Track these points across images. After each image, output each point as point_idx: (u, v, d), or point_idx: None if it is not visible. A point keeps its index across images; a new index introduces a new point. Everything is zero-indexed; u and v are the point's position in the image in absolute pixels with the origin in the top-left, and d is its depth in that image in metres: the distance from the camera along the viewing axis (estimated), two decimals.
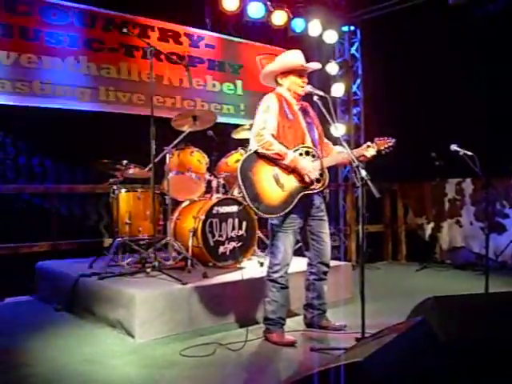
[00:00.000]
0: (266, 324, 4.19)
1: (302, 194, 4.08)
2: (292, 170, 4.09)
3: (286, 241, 4.12)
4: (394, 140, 4.27)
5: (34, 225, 6.18)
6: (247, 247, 5.51)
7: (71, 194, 6.55)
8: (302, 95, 4.33)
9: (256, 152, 4.08)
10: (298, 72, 4.27)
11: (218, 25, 7.83)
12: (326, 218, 4.37)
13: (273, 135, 4.07)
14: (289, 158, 4.04)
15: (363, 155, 4.24)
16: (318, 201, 4.28)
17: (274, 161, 4.08)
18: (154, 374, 3.51)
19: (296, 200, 4.06)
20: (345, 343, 3.85)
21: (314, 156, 4.16)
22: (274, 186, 4.05)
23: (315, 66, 4.36)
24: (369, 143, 4.28)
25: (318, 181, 4.15)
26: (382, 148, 4.25)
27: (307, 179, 4.09)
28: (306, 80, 4.29)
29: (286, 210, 4.03)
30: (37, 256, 5.93)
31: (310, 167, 4.10)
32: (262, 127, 4.08)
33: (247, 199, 3.97)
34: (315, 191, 4.17)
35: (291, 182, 4.09)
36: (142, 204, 5.36)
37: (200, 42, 7.60)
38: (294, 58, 4.32)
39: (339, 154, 4.32)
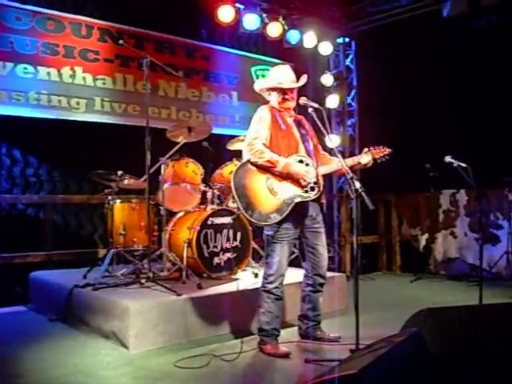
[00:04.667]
0: (261, 335, 4.18)
1: (295, 201, 4.09)
2: (285, 177, 4.11)
3: (281, 252, 4.12)
4: (389, 150, 4.29)
5: (29, 235, 6.16)
6: (242, 258, 5.51)
7: (66, 205, 6.54)
8: (290, 108, 4.38)
9: (249, 161, 4.11)
10: (279, 89, 4.33)
11: (214, 36, 7.87)
12: (322, 229, 4.37)
13: (265, 145, 4.11)
14: (280, 164, 4.06)
15: (358, 162, 4.26)
16: (313, 212, 4.29)
17: (266, 169, 4.10)
18: None
19: (290, 208, 4.06)
20: (339, 355, 3.85)
21: (307, 165, 4.18)
22: (267, 195, 4.06)
23: (297, 84, 4.36)
24: (365, 150, 4.30)
25: (312, 189, 4.16)
26: (377, 157, 4.26)
27: (303, 182, 4.11)
28: (289, 96, 4.32)
29: (280, 218, 4.03)
30: (31, 266, 5.92)
31: (304, 170, 4.12)
32: (254, 137, 4.13)
33: (240, 208, 3.98)
34: (309, 199, 4.17)
35: (285, 191, 4.10)
36: (137, 215, 5.35)
37: (195, 53, 7.63)
38: (274, 75, 4.40)
39: (334, 163, 4.32)
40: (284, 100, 4.32)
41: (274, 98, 4.38)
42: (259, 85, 4.54)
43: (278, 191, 4.08)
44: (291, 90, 4.34)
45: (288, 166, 4.08)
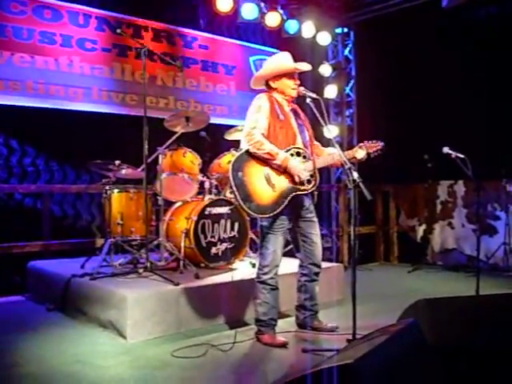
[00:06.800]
0: (258, 325, 4.19)
1: (293, 194, 4.08)
2: (283, 171, 4.09)
3: (276, 242, 4.12)
4: (382, 144, 4.28)
5: (26, 225, 6.17)
6: (239, 248, 5.51)
7: (63, 194, 6.54)
8: (294, 97, 4.34)
9: (247, 151, 4.08)
10: (289, 74, 4.27)
11: (212, 26, 7.85)
12: (315, 219, 4.36)
13: (263, 135, 4.07)
14: (280, 157, 4.03)
15: (354, 157, 4.26)
16: (307, 202, 4.28)
17: (265, 160, 4.07)
18: (145, 374, 3.51)
19: (287, 201, 4.05)
20: (336, 344, 3.86)
21: (304, 157, 4.16)
22: (265, 186, 4.04)
23: (306, 67, 4.37)
24: (360, 144, 4.30)
25: (308, 182, 4.14)
26: (371, 151, 4.25)
27: (297, 179, 4.09)
28: (298, 82, 4.30)
29: (277, 211, 4.02)
30: (29, 256, 5.92)
31: (301, 167, 4.09)
32: (252, 126, 4.07)
33: (238, 199, 3.96)
34: (306, 192, 4.17)
35: (282, 183, 4.08)
36: (135, 204, 5.34)
37: (193, 42, 7.61)
38: (284, 61, 4.31)
39: (330, 155, 4.31)
40: (290, 87, 4.24)
41: (280, 86, 4.27)
42: (267, 70, 4.34)
43: (275, 183, 4.06)
44: (297, 74, 4.31)
45: (287, 161, 4.04)
